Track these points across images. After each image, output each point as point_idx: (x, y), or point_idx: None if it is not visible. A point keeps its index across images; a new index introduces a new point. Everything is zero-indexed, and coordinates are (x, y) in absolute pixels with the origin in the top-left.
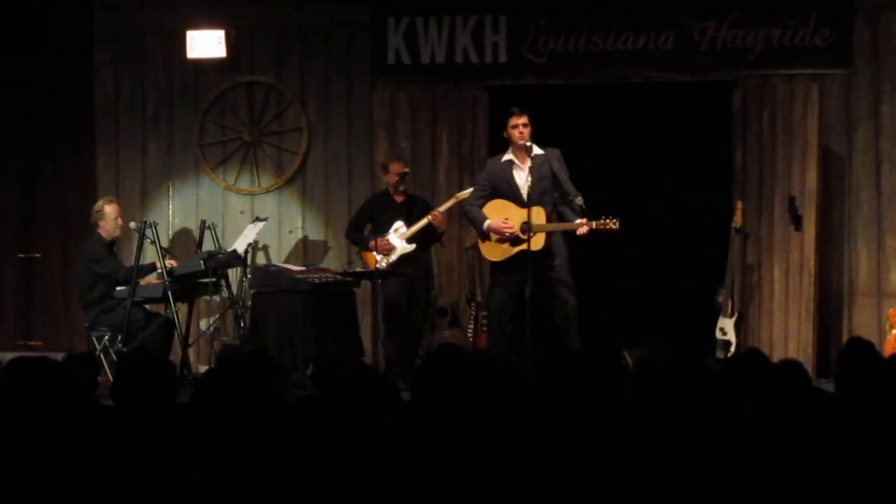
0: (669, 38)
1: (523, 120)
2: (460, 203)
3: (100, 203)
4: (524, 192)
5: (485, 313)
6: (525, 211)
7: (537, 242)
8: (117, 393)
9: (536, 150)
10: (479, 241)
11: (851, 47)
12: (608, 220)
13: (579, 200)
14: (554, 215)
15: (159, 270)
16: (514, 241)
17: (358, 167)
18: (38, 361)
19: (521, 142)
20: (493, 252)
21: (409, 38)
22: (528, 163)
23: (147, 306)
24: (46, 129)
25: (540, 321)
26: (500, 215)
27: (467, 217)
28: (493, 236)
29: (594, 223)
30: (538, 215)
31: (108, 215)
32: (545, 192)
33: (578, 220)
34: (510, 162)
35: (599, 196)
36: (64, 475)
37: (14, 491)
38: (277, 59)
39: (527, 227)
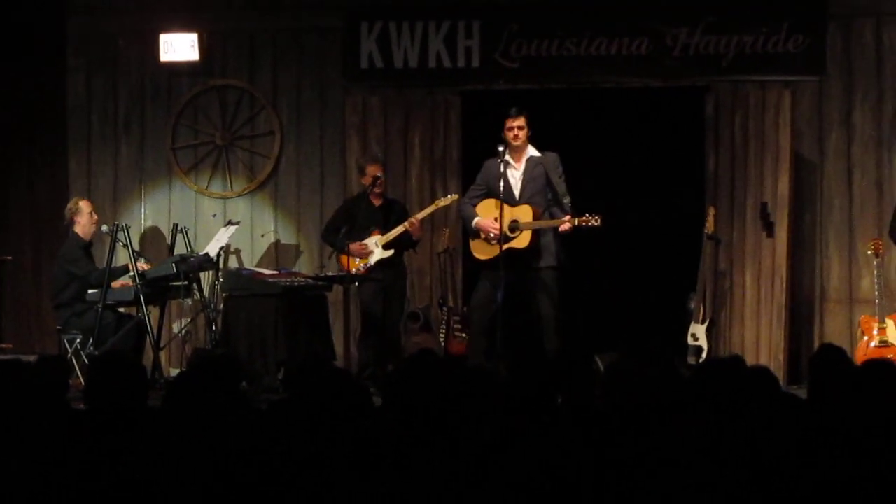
0: (642, 44)
1: (518, 122)
2: (459, 200)
3: (73, 200)
4: (516, 191)
5: (456, 318)
6: (514, 209)
7: (522, 241)
8: (89, 396)
9: (532, 153)
10: (470, 240)
11: (824, 54)
12: (590, 217)
13: (566, 200)
14: (545, 216)
15: (131, 273)
16: (502, 239)
17: (330, 171)
18: (10, 364)
19: (515, 143)
20: (482, 250)
21: (382, 43)
22: (522, 164)
23: (119, 309)
24: (19, 132)
25: (512, 325)
26: (490, 214)
27: (461, 215)
28: (482, 234)
29: (576, 220)
30: (525, 214)
31: (83, 210)
32: (536, 193)
33: (560, 218)
34: (505, 162)
35: (572, 202)
36: (35, 478)
37: None
38: (250, 62)
39: (516, 226)
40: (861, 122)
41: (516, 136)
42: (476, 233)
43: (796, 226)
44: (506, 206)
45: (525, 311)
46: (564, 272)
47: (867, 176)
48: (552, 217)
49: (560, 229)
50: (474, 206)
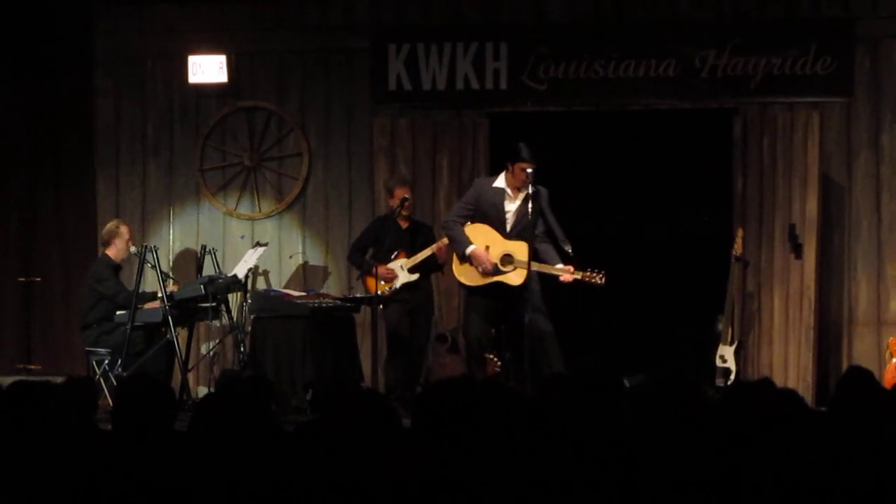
0: (670, 66)
1: (532, 168)
2: (444, 219)
3: (115, 222)
4: (508, 222)
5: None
6: (507, 242)
7: (518, 278)
8: (116, 417)
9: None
10: (457, 263)
11: (852, 76)
12: (594, 274)
13: (568, 248)
14: (532, 252)
15: (160, 295)
16: (493, 271)
17: (358, 193)
18: (39, 385)
19: (523, 185)
20: (470, 277)
21: (410, 65)
22: (520, 197)
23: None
24: (47, 154)
25: (519, 347)
26: (482, 242)
27: (449, 234)
28: (475, 264)
29: (580, 274)
30: (521, 250)
31: (123, 235)
32: (527, 228)
33: (562, 266)
34: (502, 190)
35: (599, 223)
36: (62, 500)
37: None
38: (278, 84)
39: (509, 260)
40: (889, 143)
41: (525, 182)
42: (465, 257)
43: (824, 247)
44: (497, 236)
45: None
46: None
47: (895, 198)
48: (537, 252)
49: (561, 279)
50: (462, 226)
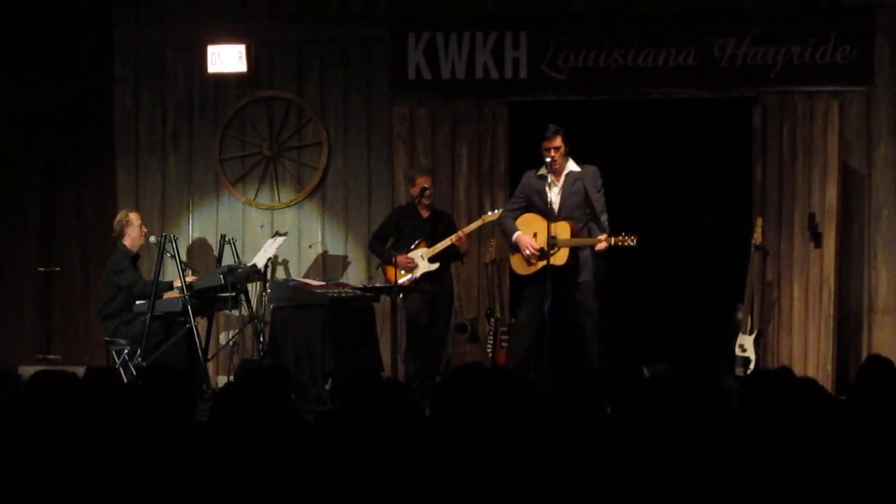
0: (690, 55)
1: (554, 143)
2: (500, 215)
3: (123, 213)
4: (556, 206)
5: (504, 329)
6: (553, 225)
7: (560, 258)
8: (136, 407)
9: (572, 167)
10: (510, 254)
11: (872, 64)
12: (626, 237)
13: (604, 218)
14: (584, 232)
15: (178, 286)
16: (540, 255)
17: (377, 182)
18: (59, 375)
19: (549, 161)
20: (522, 266)
21: (429, 54)
22: (561, 179)
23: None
24: (66, 144)
25: (558, 338)
26: (530, 229)
27: (502, 228)
28: (521, 250)
29: (612, 239)
30: (563, 230)
31: (134, 223)
32: (575, 209)
33: (598, 237)
34: (544, 176)
35: (619, 212)
36: (83, 489)
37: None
38: (297, 73)
39: (555, 242)
40: None
41: (553, 158)
42: (515, 247)
43: (844, 236)
44: (544, 222)
45: (568, 325)
46: (604, 285)
47: None
48: (591, 233)
49: (596, 248)
50: (515, 218)
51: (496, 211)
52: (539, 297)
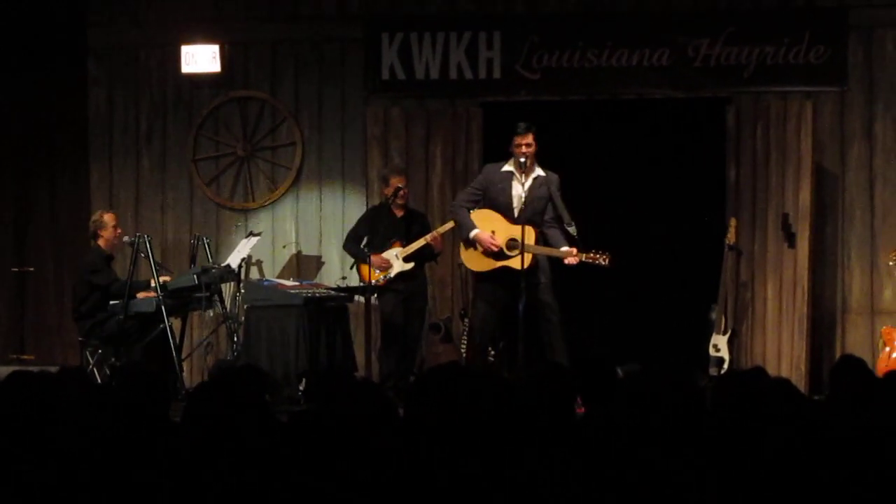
0: (663, 55)
1: (526, 140)
2: (451, 204)
3: (98, 213)
4: (516, 206)
5: (469, 325)
6: (512, 227)
7: (527, 261)
8: (110, 407)
9: (538, 171)
10: (462, 248)
11: (845, 65)
12: (598, 255)
13: (572, 230)
14: (541, 237)
15: (153, 285)
16: (498, 254)
17: (351, 182)
18: (36, 375)
19: (522, 160)
20: (477, 262)
21: (403, 54)
22: (528, 180)
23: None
24: (40, 144)
25: (527, 338)
26: (488, 227)
27: (455, 218)
28: (479, 247)
29: (583, 255)
30: (528, 235)
31: (108, 223)
32: (537, 213)
33: (567, 249)
34: (510, 173)
35: (591, 212)
36: (56, 490)
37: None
38: (271, 74)
39: (514, 245)
40: (883, 132)
41: (524, 154)
42: (471, 242)
43: (818, 237)
44: (504, 221)
45: (535, 325)
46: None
47: (889, 187)
48: (546, 238)
49: (565, 261)
50: (469, 210)
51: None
52: (497, 295)
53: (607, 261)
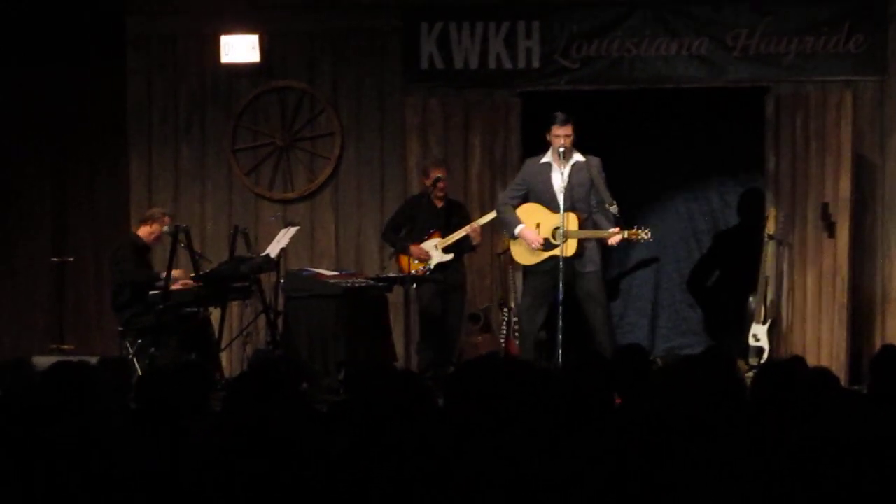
0: (703, 44)
1: (565, 131)
2: (497, 203)
3: (159, 209)
4: (560, 195)
5: (517, 318)
6: (557, 216)
7: (569, 249)
8: (141, 397)
9: (577, 157)
10: (511, 244)
11: (885, 54)
12: (640, 231)
13: (614, 209)
14: (588, 223)
15: (192, 274)
16: (545, 245)
17: (390, 172)
18: (73, 365)
19: (561, 150)
20: (524, 256)
21: (441, 44)
22: (567, 168)
23: (187, 309)
24: (79, 135)
25: (570, 328)
26: (532, 220)
27: (500, 216)
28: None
29: (626, 233)
30: (571, 221)
31: (159, 222)
32: (580, 199)
33: (611, 230)
34: (549, 164)
35: (631, 202)
36: (96, 479)
37: (49, 492)
38: (310, 63)
39: (561, 233)
40: None
41: (562, 144)
42: (516, 238)
43: (857, 226)
44: (548, 212)
45: (578, 316)
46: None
47: None
48: (595, 223)
49: (609, 242)
50: (514, 206)
51: None
52: (544, 288)
53: (649, 235)
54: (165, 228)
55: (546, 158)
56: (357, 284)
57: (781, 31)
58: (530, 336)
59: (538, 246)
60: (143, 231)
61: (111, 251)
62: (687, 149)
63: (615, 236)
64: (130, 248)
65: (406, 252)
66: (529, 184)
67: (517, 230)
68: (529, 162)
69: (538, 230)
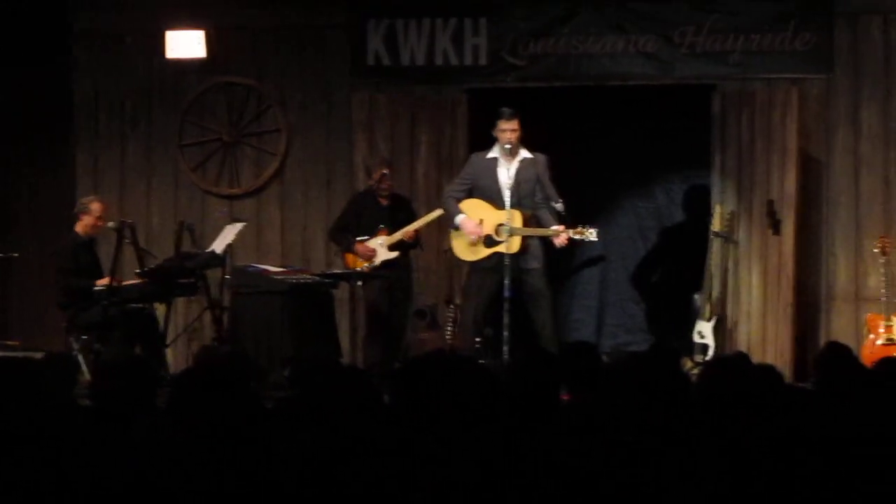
0: (649, 41)
1: (512, 125)
2: (442, 196)
3: (89, 198)
4: (505, 191)
5: (461, 315)
6: (501, 213)
7: (512, 246)
8: (95, 393)
9: (525, 154)
10: (453, 240)
11: (831, 51)
12: (585, 230)
13: (559, 206)
14: (533, 220)
15: (138, 270)
16: (487, 241)
17: (337, 168)
18: (17, 361)
19: (508, 146)
20: (466, 252)
21: (388, 40)
22: (514, 164)
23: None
24: (25, 130)
25: (516, 325)
26: (476, 215)
27: (444, 207)
28: (467, 236)
29: (571, 232)
30: (516, 218)
31: (94, 211)
32: (526, 196)
33: (555, 228)
34: (495, 160)
35: (578, 199)
36: (40, 475)
37: None
38: (257, 59)
39: (505, 230)
40: (868, 119)
41: (509, 140)
42: (456, 228)
43: (803, 224)
44: (491, 208)
45: (523, 313)
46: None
47: (874, 173)
48: (539, 220)
49: (556, 243)
50: (458, 201)
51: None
52: (487, 284)
53: (594, 235)
54: (111, 223)
55: (493, 154)
56: (303, 281)
57: (728, 28)
58: (474, 333)
59: (477, 239)
60: (80, 227)
61: (55, 253)
62: (633, 146)
63: (561, 236)
64: (69, 253)
65: (351, 251)
66: (475, 178)
67: (458, 219)
68: (475, 157)
69: (481, 226)
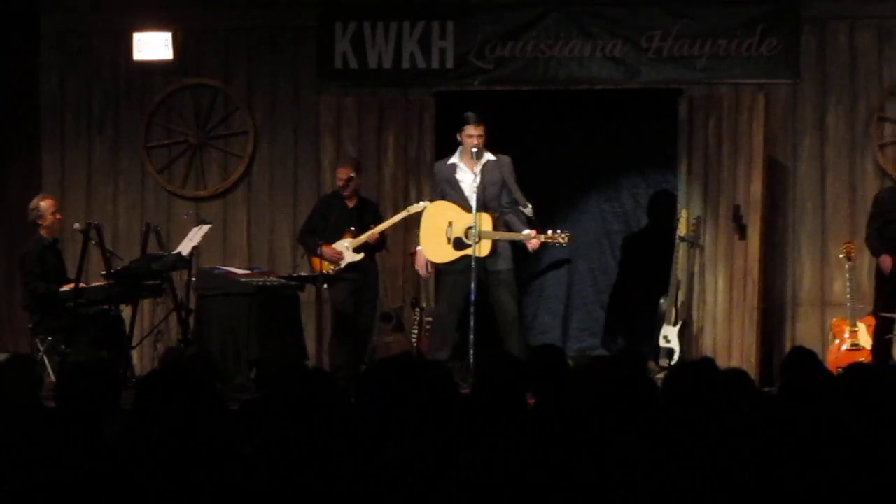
0: (617, 46)
1: (478, 131)
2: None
3: (34, 201)
4: (471, 196)
5: (429, 318)
6: (469, 215)
7: (482, 249)
8: (60, 395)
9: (488, 156)
10: (421, 240)
11: (798, 57)
12: (558, 234)
13: (528, 210)
14: (500, 223)
15: (103, 272)
16: (457, 244)
17: (304, 171)
18: None
19: (474, 150)
20: (436, 254)
21: (356, 43)
22: (477, 168)
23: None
24: None
25: (483, 328)
26: (444, 218)
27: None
28: (438, 237)
29: (543, 236)
30: (485, 221)
31: (45, 210)
32: (493, 198)
33: (527, 232)
34: (455, 165)
35: (544, 202)
36: (5, 476)
37: None
38: (224, 62)
39: (476, 233)
40: (835, 124)
41: (475, 144)
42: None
43: (769, 229)
44: (460, 211)
45: (489, 315)
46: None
47: (840, 179)
48: (507, 223)
49: (529, 247)
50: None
51: (420, 203)
52: (458, 287)
53: (566, 239)
54: (77, 224)
55: (452, 159)
56: (269, 283)
57: (695, 33)
58: (444, 336)
59: (425, 274)
60: (43, 230)
61: (21, 257)
62: (600, 149)
63: (534, 240)
64: (34, 256)
65: (318, 253)
66: (440, 185)
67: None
68: (438, 164)
69: (450, 228)
